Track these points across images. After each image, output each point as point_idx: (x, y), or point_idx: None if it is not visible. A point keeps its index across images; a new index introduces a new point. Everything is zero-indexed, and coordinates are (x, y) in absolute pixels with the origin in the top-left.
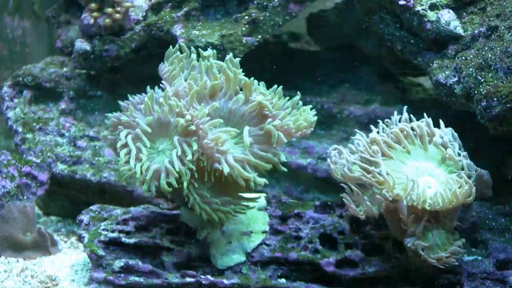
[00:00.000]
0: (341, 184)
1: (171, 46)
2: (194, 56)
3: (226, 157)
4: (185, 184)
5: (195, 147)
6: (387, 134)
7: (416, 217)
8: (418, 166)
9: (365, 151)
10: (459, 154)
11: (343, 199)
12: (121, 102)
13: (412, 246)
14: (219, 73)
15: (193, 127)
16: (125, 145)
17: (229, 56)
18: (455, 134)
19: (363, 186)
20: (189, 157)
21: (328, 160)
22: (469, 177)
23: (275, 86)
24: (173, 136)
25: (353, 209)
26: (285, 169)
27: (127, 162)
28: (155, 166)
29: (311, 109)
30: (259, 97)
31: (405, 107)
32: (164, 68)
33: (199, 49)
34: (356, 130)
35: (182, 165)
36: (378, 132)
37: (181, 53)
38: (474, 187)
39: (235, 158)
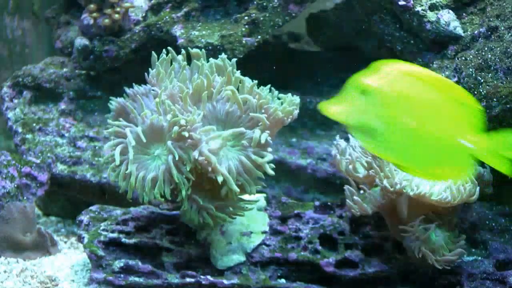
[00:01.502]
0: (345, 178)
1: (153, 53)
2: (180, 57)
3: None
4: (183, 193)
5: (191, 155)
6: None
7: (418, 217)
8: None
9: None
10: None
11: (345, 188)
12: (127, 89)
13: (420, 253)
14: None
15: (186, 134)
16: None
17: (225, 56)
18: None
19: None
20: (188, 167)
21: (333, 150)
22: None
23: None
24: (167, 140)
25: (349, 204)
26: (272, 172)
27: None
28: (151, 174)
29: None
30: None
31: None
32: (150, 73)
33: (188, 48)
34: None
35: (179, 173)
36: None
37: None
38: (476, 185)
39: (229, 169)
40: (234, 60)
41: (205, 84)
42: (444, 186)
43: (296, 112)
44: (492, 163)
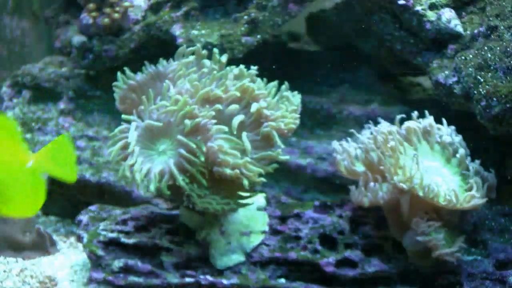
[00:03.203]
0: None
1: (184, 46)
2: (208, 63)
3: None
4: (203, 182)
5: (203, 148)
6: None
7: (421, 215)
8: (426, 165)
9: (382, 143)
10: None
11: (350, 190)
12: (149, 67)
13: (428, 242)
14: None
15: (200, 119)
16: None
17: (253, 70)
18: (459, 135)
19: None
20: (202, 157)
21: (335, 147)
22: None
23: (272, 83)
24: (175, 135)
25: (355, 196)
26: (287, 157)
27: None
28: (158, 168)
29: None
30: (255, 105)
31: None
32: (170, 67)
33: (214, 49)
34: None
35: (190, 166)
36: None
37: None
38: (484, 192)
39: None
40: (255, 71)
41: (221, 93)
42: (453, 189)
43: (297, 121)
44: (54, 172)
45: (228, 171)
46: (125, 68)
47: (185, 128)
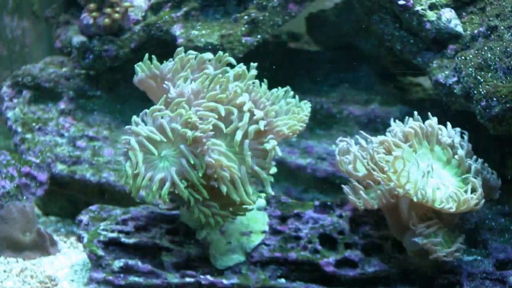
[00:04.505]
0: (344, 178)
1: (182, 48)
2: (211, 69)
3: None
4: (204, 192)
5: (203, 161)
6: (395, 133)
7: (420, 216)
8: (424, 167)
9: (375, 152)
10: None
11: (344, 190)
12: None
13: (424, 245)
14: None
15: (198, 133)
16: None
17: (253, 70)
18: (465, 136)
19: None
20: (201, 173)
21: (336, 150)
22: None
23: (275, 89)
24: (177, 143)
25: (352, 200)
26: (271, 192)
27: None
28: (160, 175)
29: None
30: (252, 128)
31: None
32: (167, 66)
33: (220, 52)
34: (361, 132)
35: (194, 176)
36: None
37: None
38: (482, 195)
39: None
40: (255, 72)
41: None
42: (449, 193)
43: (306, 119)
44: None
45: (224, 188)
46: (153, 56)
47: (187, 140)
